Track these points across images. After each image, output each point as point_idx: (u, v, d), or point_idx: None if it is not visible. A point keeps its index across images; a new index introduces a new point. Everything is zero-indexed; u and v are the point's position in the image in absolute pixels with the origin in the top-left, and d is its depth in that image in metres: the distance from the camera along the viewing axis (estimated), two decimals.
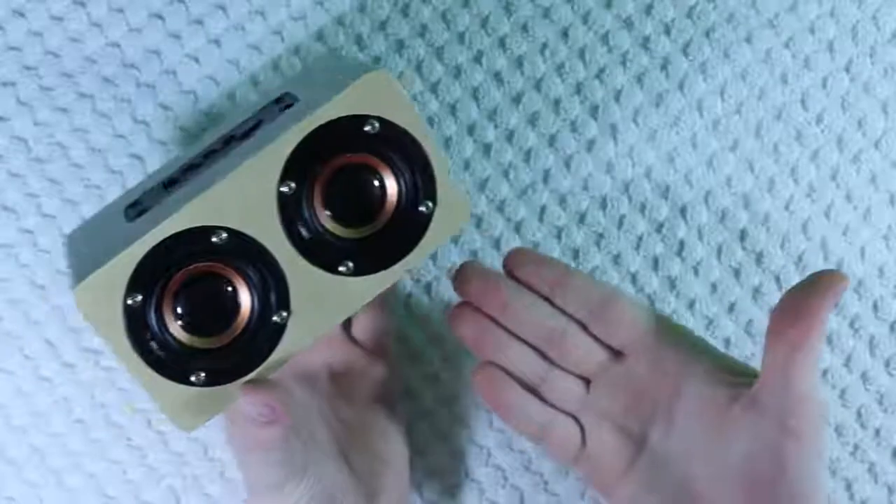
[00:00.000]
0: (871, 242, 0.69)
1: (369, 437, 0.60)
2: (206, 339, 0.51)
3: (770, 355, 0.54)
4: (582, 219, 0.68)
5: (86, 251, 0.54)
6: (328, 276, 0.52)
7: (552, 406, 0.60)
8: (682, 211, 0.69)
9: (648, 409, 0.59)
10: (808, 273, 0.68)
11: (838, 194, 0.69)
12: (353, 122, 0.52)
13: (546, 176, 0.68)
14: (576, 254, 0.68)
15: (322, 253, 0.52)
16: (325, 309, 0.53)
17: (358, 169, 0.53)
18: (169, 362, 0.51)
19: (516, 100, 0.68)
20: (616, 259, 0.68)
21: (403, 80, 0.53)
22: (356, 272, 0.53)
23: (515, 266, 0.60)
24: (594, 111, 0.69)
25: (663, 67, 0.69)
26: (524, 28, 0.68)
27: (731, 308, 0.69)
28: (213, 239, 0.50)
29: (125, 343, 0.50)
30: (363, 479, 0.59)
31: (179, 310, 0.51)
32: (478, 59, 0.68)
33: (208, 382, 0.51)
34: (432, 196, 0.54)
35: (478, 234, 0.68)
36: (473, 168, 0.68)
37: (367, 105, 0.52)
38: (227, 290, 0.51)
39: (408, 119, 0.53)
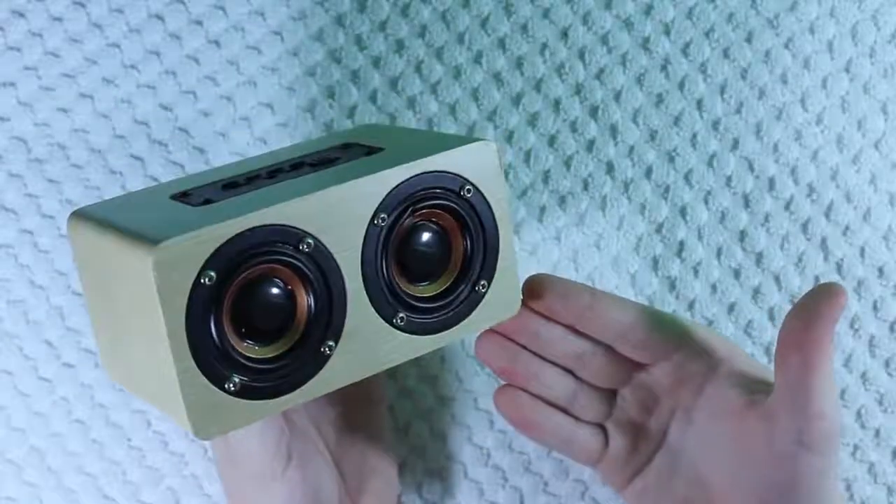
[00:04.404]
0: (871, 242, 0.69)
1: (356, 439, 0.60)
2: (251, 346, 0.49)
3: (781, 375, 0.54)
4: (582, 219, 0.68)
5: (139, 221, 0.50)
6: (382, 322, 0.52)
7: (577, 418, 0.61)
8: (682, 211, 0.69)
9: (669, 411, 0.59)
10: (808, 273, 0.68)
11: (838, 194, 0.69)
12: (454, 181, 0.52)
13: (546, 176, 0.68)
14: (575, 255, 0.68)
15: (383, 298, 0.52)
16: (368, 354, 0.52)
17: (436, 228, 0.54)
18: (210, 359, 0.48)
19: (516, 100, 0.68)
20: (615, 260, 0.68)
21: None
22: (406, 329, 0.53)
23: (538, 297, 0.59)
24: (594, 111, 0.69)
25: (663, 68, 0.69)
26: (524, 28, 0.69)
27: (731, 309, 0.68)
28: (301, 245, 0.49)
29: (180, 321, 0.47)
30: (350, 480, 0.59)
31: (239, 306, 0.49)
32: (478, 59, 0.68)
33: (240, 394, 0.49)
34: (490, 277, 0.55)
35: None
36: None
37: (469, 169, 0.53)
38: (288, 302, 0.50)
39: (497, 197, 0.54)
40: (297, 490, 0.55)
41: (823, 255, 0.69)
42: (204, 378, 0.48)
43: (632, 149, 0.69)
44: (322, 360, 0.51)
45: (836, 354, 0.68)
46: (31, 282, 0.66)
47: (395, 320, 0.52)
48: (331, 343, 0.51)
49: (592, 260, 0.68)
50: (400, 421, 0.67)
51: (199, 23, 0.67)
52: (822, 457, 0.54)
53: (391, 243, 0.52)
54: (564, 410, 0.61)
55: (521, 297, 0.57)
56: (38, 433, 0.66)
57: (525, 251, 0.68)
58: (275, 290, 0.49)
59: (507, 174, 0.68)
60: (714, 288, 0.69)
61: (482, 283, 0.54)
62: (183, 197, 0.53)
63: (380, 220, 0.51)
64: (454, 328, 0.54)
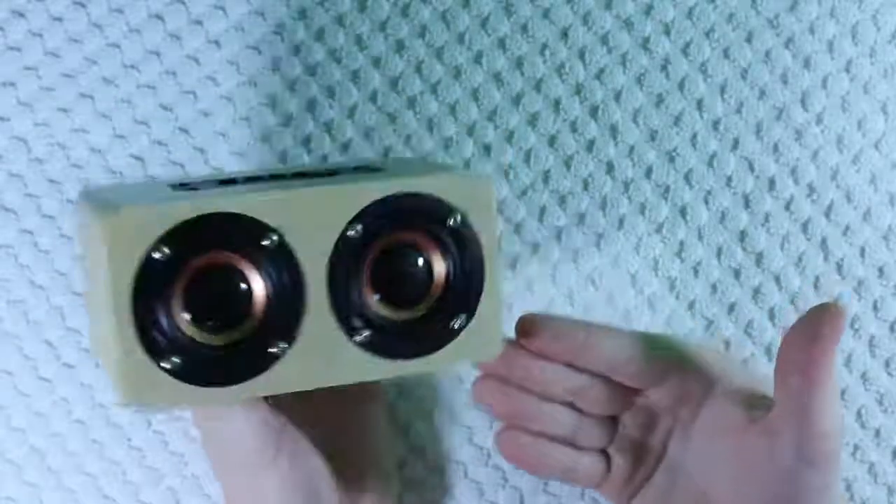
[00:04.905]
0: (871, 242, 0.69)
1: (355, 439, 0.60)
2: (198, 331, 0.49)
3: (781, 393, 0.54)
4: (582, 219, 0.68)
5: (120, 197, 0.50)
6: (343, 336, 0.50)
7: (579, 447, 0.61)
8: (682, 211, 0.68)
9: (668, 428, 0.60)
10: (808, 273, 0.68)
11: (838, 194, 0.69)
12: (440, 208, 0.51)
13: (546, 176, 0.68)
14: (575, 255, 0.68)
15: (348, 312, 0.50)
16: (323, 365, 0.50)
17: (416, 251, 0.52)
18: (152, 333, 0.48)
19: (516, 100, 0.68)
20: (615, 260, 0.68)
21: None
22: (369, 348, 0.51)
23: (531, 336, 0.58)
24: (594, 111, 0.69)
25: (663, 68, 0.69)
26: (524, 28, 0.69)
27: (731, 309, 0.68)
28: (264, 240, 0.48)
29: (127, 289, 0.47)
30: (350, 480, 0.59)
31: (191, 290, 0.48)
32: (478, 59, 0.68)
33: (176, 374, 0.48)
34: (469, 314, 0.52)
35: None
36: (473, 169, 0.68)
37: (459, 198, 0.51)
38: (243, 295, 0.49)
39: (488, 234, 0.52)
40: (287, 479, 0.54)
41: (823, 255, 0.69)
42: (142, 349, 0.48)
43: (632, 149, 0.69)
44: (270, 359, 0.50)
45: (836, 355, 0.68)
46: (31, 282, 0.66)
47: (356, 336, 0.51)
48: (282, 344, 0.50)
49: (592, 260, 0.68)
50: (400, 421, 0.67)
51: (199, 23, 0.67)
52: (824, 473, 0.53)
53: (365, 259, 0.50)
54: (566, 442, 0.60)
55: (505, 339, 0.54)
56: (38, 433, 0.66)
57: (525, 251, 0.68)
58: (230, 280, 0.49)
59: (507, 174, 0.68)
60: (714, 288, 0.69)
61: (460, 317, 0.52)
62: (180, 186, 0.53)
63: (355, 233, 0.50)
64: (422, 359, 0.52)
